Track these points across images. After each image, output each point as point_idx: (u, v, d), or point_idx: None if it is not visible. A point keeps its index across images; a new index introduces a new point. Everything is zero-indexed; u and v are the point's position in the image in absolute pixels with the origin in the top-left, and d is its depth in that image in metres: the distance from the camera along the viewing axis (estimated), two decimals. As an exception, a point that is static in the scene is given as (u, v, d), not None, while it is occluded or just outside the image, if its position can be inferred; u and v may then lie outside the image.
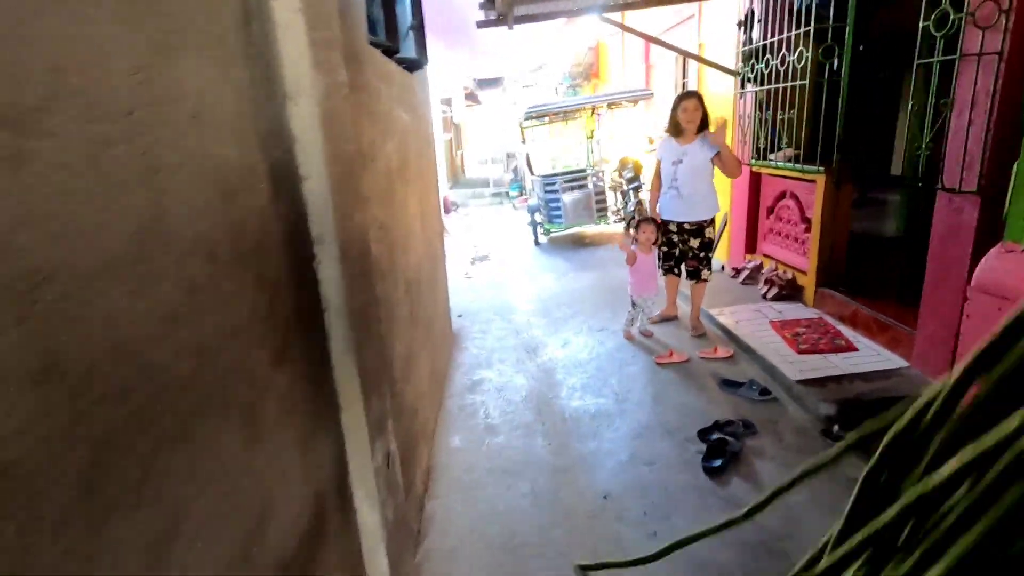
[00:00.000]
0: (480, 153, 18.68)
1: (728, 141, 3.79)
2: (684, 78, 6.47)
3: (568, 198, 6.96)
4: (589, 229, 7.55)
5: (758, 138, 4.43)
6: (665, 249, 3.96)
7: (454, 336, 4.20)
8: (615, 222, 7.62)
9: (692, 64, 5.89)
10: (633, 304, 3.90)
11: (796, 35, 3.71)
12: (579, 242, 7.51)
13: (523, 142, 7.85)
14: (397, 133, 2.29)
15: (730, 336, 3.78)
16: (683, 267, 3.93)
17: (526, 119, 7.06)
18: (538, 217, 7.50)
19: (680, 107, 3.61)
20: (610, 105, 7.25)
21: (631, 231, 3.85)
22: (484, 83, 15.88)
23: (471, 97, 16.74)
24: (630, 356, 3.69)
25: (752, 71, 4.27)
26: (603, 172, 7.44)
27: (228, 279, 0.89)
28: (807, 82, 3.69)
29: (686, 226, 3.76)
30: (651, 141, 6.76)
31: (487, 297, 5.36)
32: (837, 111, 3.51)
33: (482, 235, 8.85)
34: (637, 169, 6.92)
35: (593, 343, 3.94)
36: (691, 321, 4.01)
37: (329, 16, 1.27)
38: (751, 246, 4.87)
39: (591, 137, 7.90)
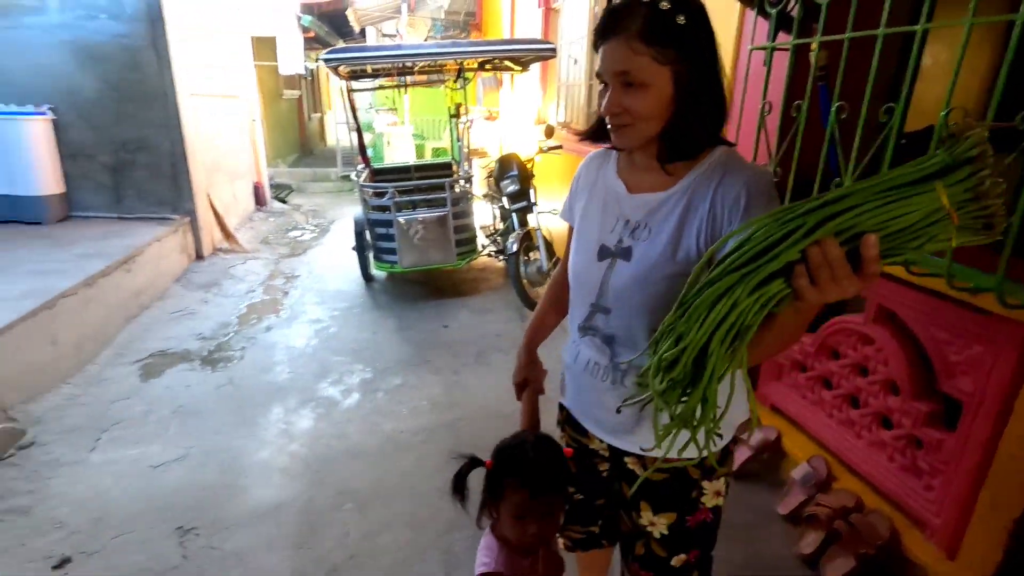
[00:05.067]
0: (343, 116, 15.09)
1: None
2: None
3: (406, 222, 4.07)
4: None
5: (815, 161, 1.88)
6: (579, 497, 1.28)
7: None
8: (491, 254, 4.88)
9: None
10: None
11: None
12: (436, 283, 4.72)
13: (352, 115, 4.70)
14: None
15: None
16: (630, 544, 1.27)
17: (329, 67, 3.92)
18: (368, 238, 4.57)
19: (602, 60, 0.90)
20: (486, 68, 4.41)
21: (486, 509, 1.08)
22: (340, 27, 12.22)
23: (321, 43, 13.05)
24: None
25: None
26: (471, 174, 4.62)
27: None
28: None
29: (628, 463, 1.09)
30: (549, 133, 4.05)
31: (211, 464, 2.34)
32: None
33: (298, 250, 5.76)
34: (525, 177, 4.17)
35: None
36: None
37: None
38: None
39: (456, 116, 5.00)
